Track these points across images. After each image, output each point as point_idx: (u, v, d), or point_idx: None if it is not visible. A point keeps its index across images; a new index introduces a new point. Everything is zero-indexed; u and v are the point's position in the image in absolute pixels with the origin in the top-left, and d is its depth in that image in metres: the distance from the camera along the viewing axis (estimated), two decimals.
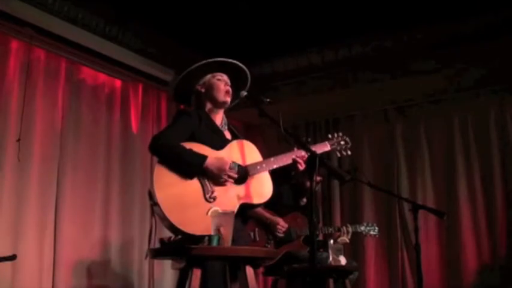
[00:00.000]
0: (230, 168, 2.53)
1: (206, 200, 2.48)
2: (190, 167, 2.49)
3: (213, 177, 2.51)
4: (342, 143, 3.07)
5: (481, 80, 4.98)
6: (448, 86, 5.16)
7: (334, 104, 5.67)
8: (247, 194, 2.59)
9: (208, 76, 2.80)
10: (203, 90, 2.79)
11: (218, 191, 2.52)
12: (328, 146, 3.00)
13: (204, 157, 2.51)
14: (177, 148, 2.51)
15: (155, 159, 2.55)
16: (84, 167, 4.42)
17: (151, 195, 2.46)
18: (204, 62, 2.76)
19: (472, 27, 4.43)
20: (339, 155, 3.05)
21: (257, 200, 2.62)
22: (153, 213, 2.49)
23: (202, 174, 2.50)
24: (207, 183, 2.51)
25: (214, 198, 2.49)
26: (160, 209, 2.38)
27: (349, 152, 3.06)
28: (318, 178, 4.35)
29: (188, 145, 2.55)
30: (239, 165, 2.64)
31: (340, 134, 3.11)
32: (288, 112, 4.45)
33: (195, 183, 2.50)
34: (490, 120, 5.13)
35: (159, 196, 2.40)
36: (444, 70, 4.86)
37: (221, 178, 2.51)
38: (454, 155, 5.25)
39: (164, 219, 2.40)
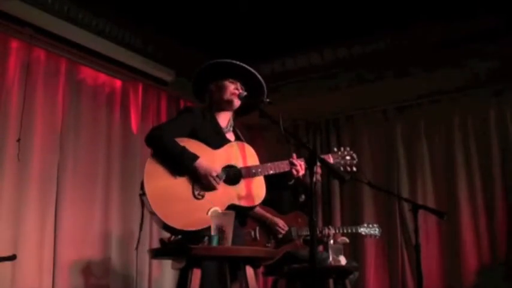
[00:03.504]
0: (216, 176, 2.52)
1: (195, 196, 2.49)
2: (180, 165, 2.50)
3: (199, 178, 2.51)
4: (348, 157, 2.89)
5: (481, 79, 4.98)
6: (448, 86, 5.16)
7: (334, 104, 5.68)
8: (238, 196, 2.58)
9: (223, 80, 2.80)
10: (214, 89, 2.81)
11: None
12: (331, 159, 2.85)
13: (195, 157, 2.51)
14: (171, 143, 2.52)
15: None
16: (84, 167, 4.41)
17: (142, 186, 2.48)
18: (232, 62, 2.77)
19: (472, 27, 4.44)
20: (343, 169, 2.85)
21: (246, 202, 2.60)
22: (143, 204, 2.51)
23: (191, 173, 2.50)
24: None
25: (203, 196, 2.50)
26: (147, 200, 2.41)
27: (354, 169, 2.86)
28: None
29: (184, 142, 2.55)
30: (233, 166, 2.63)
31: (348, 148, 2.93)
32: (288, 112, 4.47)
33: (185, 178, 2.51)
34: (490, 120, 5.13)
35: (148, 187, 2.43)
36: (444, 70, 4.87)
37: (204, 181, 2.50)
38: (454, 154, 5.25)
39: (150, 210, 2.43)
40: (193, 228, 2.38)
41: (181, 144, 2.54)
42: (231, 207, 2.54)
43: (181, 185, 2.49)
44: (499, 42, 4.43)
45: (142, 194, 2.46)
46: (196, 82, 2.88)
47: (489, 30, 4.38)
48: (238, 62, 2.78)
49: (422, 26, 4.57)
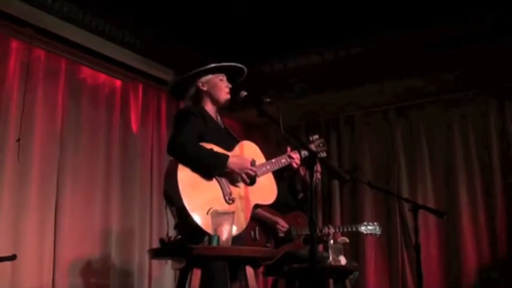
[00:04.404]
0: (251, 165, 2.59)
1: (226, 201, 2.52)
2: (214, 167, 2.53)
3: (233, 176, 2.56)
4: (321, 145, 3.21)
5: (481, 80, 4.98)
6: (448, 86, 5.16)
7: (334, 104, 5.68)
8: (259, 195, 2.66)
9: (210, 75, 2.82)
10: (205, 88, 2.81)
11: (234, 192, 2.57)
12: (314, 147, 3.12)
13: (227, 156, 2.55)
14: (200, 149, 2.54)
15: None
16: (84, 167, 4.41)
17: (169, 197, 2.46)
18: (213, 66, 2.80)
19: (472, 28, 4.43)
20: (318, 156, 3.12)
21: (267, 200, 2.70)
22: (167, 213, 2.51)
23: (223, 174, 2.54)
24: (225, 184, 2.55)
25: (233, 200, 2.54)
26: (186, 211, 2.37)
27: (325, 154, 3.22)
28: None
29: (206, 146, 2.58)
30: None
31: (317, 136, 3.25)
32: (288, 112, 4.47)
33: (215, 185, 2.53)
34: (490, 121, 5.12)
35: (186, 199, 2.39)
36: (444, 70, 4.87)
37: (241, 176, 2.56)
38: (454, 155, 5.25)
39: (186, 219, 2.39)
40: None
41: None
42: (255, 207, 2.63)
43: (214, 192, 2.52)
44: (498, 43, 4.43)
45: (174, 206, 2.44)
46: (178, 84, 2.89)
47: (488, 30, 4.38)
48: (226, 64, 2.82)
49: (422, 27, 4.56)
